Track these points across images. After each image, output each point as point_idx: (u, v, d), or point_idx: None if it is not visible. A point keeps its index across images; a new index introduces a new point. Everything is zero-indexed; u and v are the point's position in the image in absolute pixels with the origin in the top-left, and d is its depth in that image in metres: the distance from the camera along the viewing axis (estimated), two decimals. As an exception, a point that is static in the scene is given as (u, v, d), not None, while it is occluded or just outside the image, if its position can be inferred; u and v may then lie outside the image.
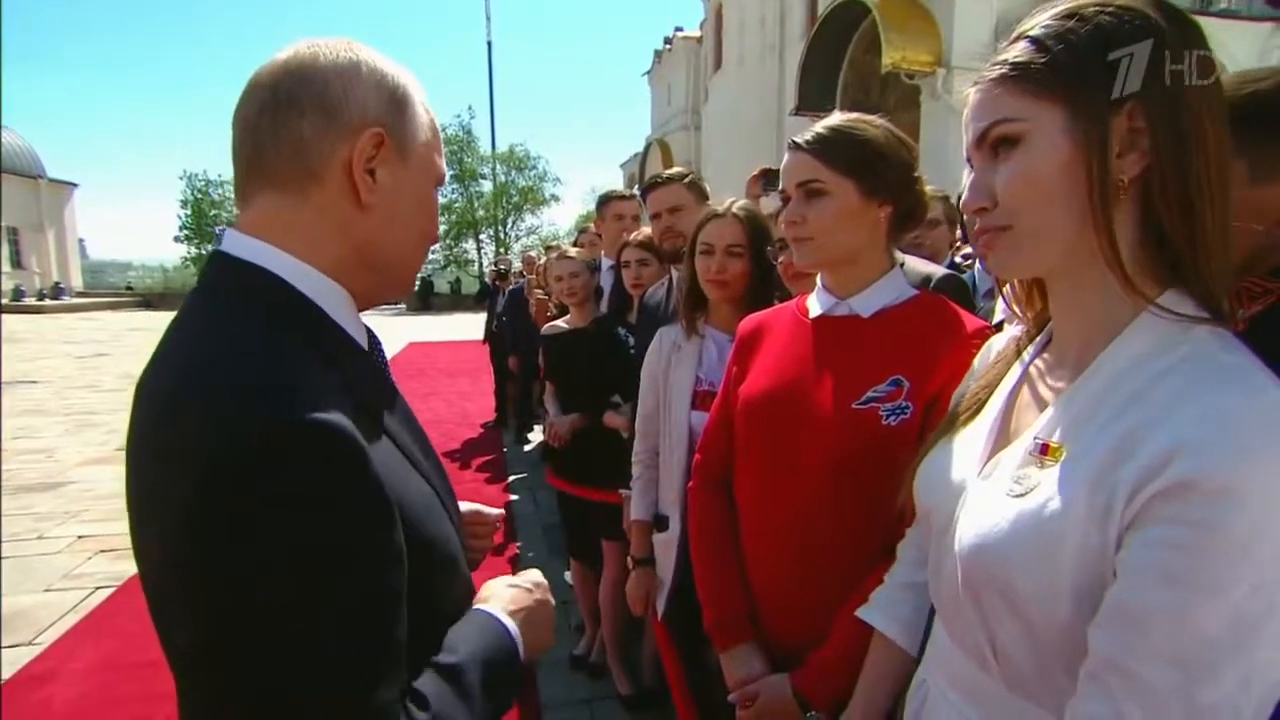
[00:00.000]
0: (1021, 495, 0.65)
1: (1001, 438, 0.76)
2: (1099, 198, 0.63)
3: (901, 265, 1.27)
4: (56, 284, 27.62)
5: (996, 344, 0.90)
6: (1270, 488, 0.52)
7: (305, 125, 0.67)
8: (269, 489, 0.54)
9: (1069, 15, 0.65)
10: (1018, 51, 0.67)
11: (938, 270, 1.53)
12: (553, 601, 0.87)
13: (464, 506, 0.95)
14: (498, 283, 7.27)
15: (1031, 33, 0.67)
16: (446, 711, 0.64)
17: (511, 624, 0.77)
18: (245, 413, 0.56)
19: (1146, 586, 0.55)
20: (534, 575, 0.88)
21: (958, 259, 2.89)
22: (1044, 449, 0.66)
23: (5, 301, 22.89)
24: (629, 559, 1.95)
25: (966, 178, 0.73)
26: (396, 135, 0.71)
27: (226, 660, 0.56)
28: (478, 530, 0.98)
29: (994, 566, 0.66)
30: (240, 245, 0.68)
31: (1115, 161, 0.63)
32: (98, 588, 3.58)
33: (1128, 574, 0.57)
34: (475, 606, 0.79)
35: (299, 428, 0.56)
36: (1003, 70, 0.67)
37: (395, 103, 0.71)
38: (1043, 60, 0.65)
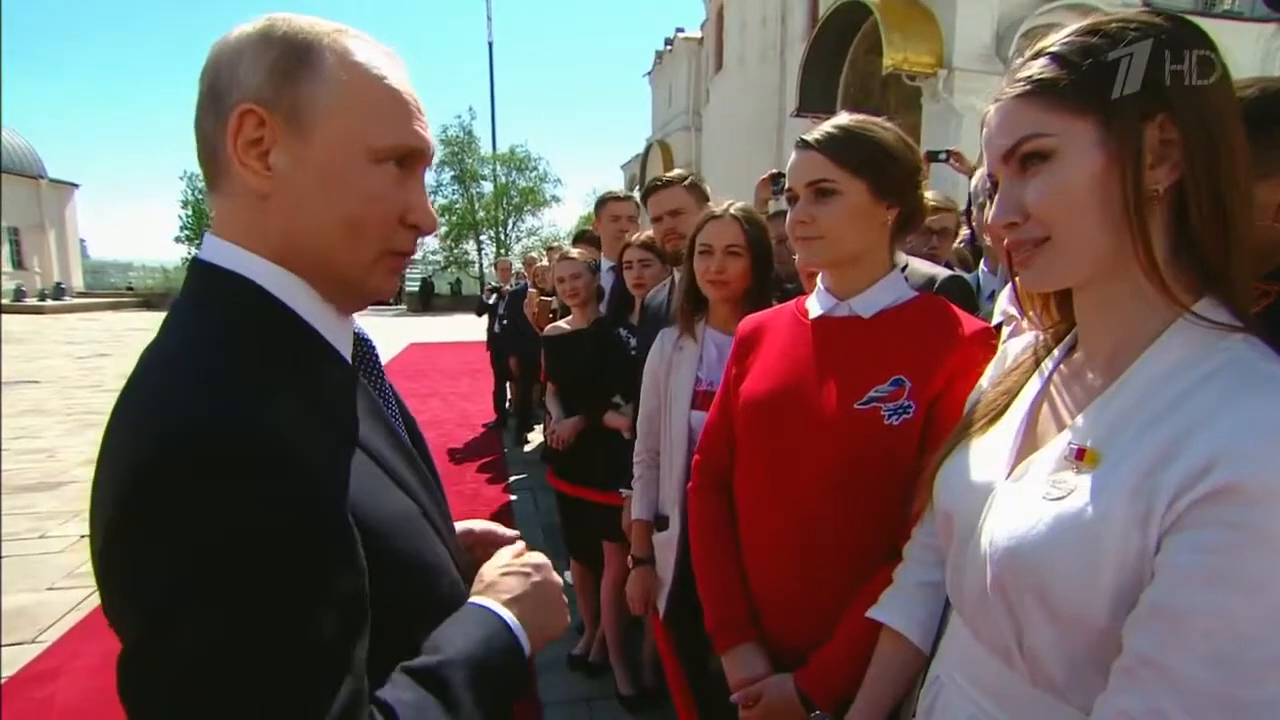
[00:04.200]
0: (1059, 499, 0.66)
1: (1028, 442, 0.76)
2: (1134, 209, 0.64)
3: (905, 267, 1.27)
4: (58, 284, 27.63)
5: (1013, 349, 0.90)
6: None
7: (205, 121, 0.63)
8: (188, 502, 0.51)
9: (1090, 31, 0.66)
10: (1040, 67, 0.67)
11: (941, 272, 1.54)
12: (559, 580, 0.81)
13: (479, 525, 0.91)
14: (494, 298, 7.32)
15: (1053, 49, 0.67)
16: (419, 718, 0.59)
17: (508, 614, 0.71)
18: (176, 424, 0.53)
19: (1186, 587, 0.56)
20: (534, 557, 0.81)
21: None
22: (1079, 454, 0.67)
23: (7, 302, 22.90)
24: (629, 558, 1.96)
25: (980, 193, 0.73)
26: (283, 108, 0.61)
27: (148, 675, 0.53)
28: (490, 552, 0.88)
29: (1030, 568, 0.66)
30: (212, 249, 0.66)
31: (1149, 173, 0.64)
32: (99, 587, 3.58)
33: (1167, 575, 0.58)
34: (469, 601, 0.73)
35: (225, 440, 0.53)
36: (1026, 87, 0.68)
37: (280, 71, 0.61)
38: (1070, 75, 0.65)
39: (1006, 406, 0.82)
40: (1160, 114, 0.63)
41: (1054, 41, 0.68)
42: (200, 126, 0.64)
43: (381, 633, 0.61)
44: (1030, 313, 0.83)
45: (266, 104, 0.61)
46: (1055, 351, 0.81)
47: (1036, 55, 0.69)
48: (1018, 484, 0.73)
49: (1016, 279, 0.76)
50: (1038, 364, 0.82)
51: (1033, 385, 0.81)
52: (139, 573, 0.52)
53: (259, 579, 0.52)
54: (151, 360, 0.62)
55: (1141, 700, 0.58)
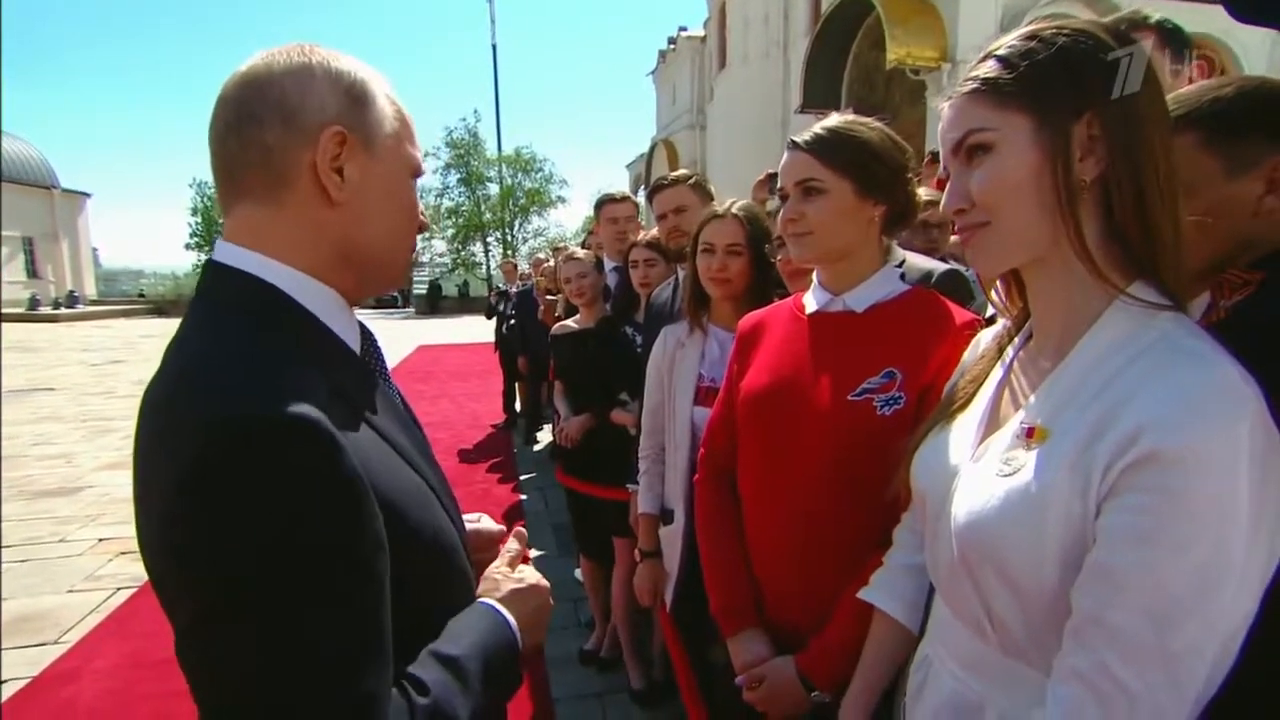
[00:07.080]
0: (1010, 475, 0.71)
1: (991, 424, 0.81)
2: (1065, 197, 0.69)
3: (902, 263, 1.30)
4: (70, 293, 27.89)
5: (984, 339, 0.95)
6: (1224, 454, 0.58)
7: (268, 135, 0.69)
8: (242, 483, 0.57)
9: (1030, 37, 0.72)
10: (987, 69, 0.73)
11: (939, 266, 1.56)
12: (549, 597, 0.89)
13: (466, 520, 0.96)
14: (499, 301, 7.41)
15: (998, 52, 0.73)
16: (446, 699, 0.66)
17: (510, 616, 0.80)
18: (221, 410, 0.58)
19: (1120, 548, 0.61)
20: (532, 573, 0.90)
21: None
22: (1029, 432, 0.72)
23: (22, 311, 23.21)
24: (636, 552, 1.99)
25: (946, 181, 0.78)
26: (359, 131, 0.72)
27: (208, 650, 0.58)
28: (479, 544, 0.97)
29: (987, 541, 0.71)
30: (227, 253, 0.71)
31: (1077, 164, 0.69)
32: (119, 589, 3.66)
33: (1103, 538, 0.63)
34: (479, 600, 0.81)
35: (272, 423, 0.58)
36: (974, 85, 0.74)
37: (353, 98, 0.72)
38: (1010, 76, 0.71)
39: (975, 393, 0.87)
40: (1088, 112, 0.69)
41: (1001, 45, 0.74)
42: (254, 140, 0.69)
43: (403, 607, 0.66)
44: (995, 299, 0.88)
45: (349, 126, 0.71)
46: (1016, 338, 0.86)
47: (986, 57, 0.75)
48: (978, 464, 0.77)
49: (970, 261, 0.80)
50: (1001, 351, 0.87)
51: (997, 371, 0.86)
52: (205, 549, 0.57)
53: (311, 554, 0.58)
54: (188, 356, 0.66)
55: (1088, 657, 0.62)
